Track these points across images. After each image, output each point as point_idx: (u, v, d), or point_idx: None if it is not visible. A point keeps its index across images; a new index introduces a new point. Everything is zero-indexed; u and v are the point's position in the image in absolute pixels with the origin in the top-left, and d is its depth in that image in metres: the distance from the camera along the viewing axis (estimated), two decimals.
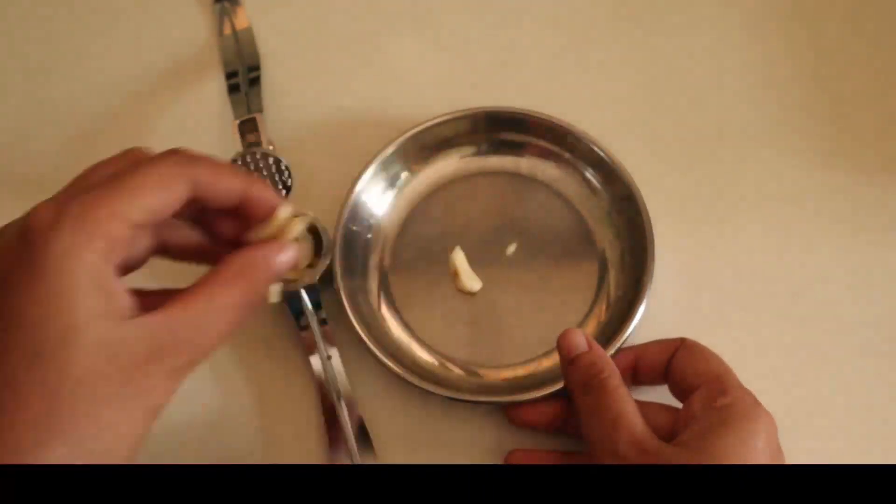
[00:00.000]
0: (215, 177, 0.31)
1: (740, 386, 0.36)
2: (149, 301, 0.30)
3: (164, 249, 0.33)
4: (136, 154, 0.32)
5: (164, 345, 0.29)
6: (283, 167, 0.43)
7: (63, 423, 0.27)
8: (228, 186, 0.32)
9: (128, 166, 0.30)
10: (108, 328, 0.28)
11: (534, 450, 0.41)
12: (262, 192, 0.33)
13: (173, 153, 0.31)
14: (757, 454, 0.33)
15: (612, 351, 0.40)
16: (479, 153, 0.48)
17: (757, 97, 0.50)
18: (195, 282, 0.31)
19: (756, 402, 0.35)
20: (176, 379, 0.30)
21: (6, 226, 0.30)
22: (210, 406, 0.42)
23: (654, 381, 0.40)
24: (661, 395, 0.40)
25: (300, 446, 0.41)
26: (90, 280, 0.27)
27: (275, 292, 0.35)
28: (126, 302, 0.29)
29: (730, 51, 0.52)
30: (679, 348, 0.39)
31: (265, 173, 0.43)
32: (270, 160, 0.43)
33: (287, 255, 0.33)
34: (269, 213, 0.33)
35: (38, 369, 0.27)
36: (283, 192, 0.43)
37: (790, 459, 0.35)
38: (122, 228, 0.28)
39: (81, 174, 0.31)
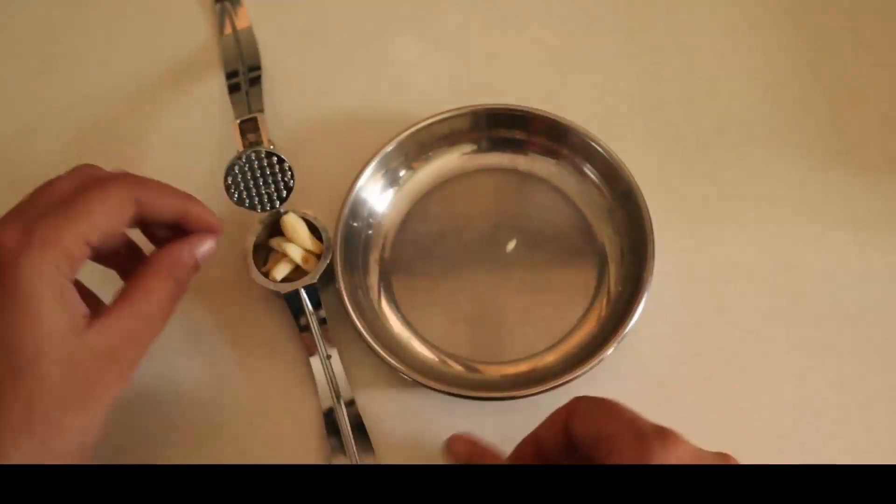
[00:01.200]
0: (158, 198, 0.35)
1: (629, 434, 0.31)
2: (89, 297, 0.35)
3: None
4: (86, 172, 0.35)
5: (118, 346, 0.32)
6: (287, 167, 0.43)
7: (35, 427, 0.30)
8: (169, 205, 0.35)
9: (80, 186, 0.33)
10: (72, 343, 0.31)
11: (472, 439, 0.39)
12: (198, 211, 0.37)
13: (122, 176, 0.35)
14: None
15: (612, 349, 0.40)
16: (479, 150, 0.48)
17: (757, 96, 0.50)
18: (130, 280, 0.34)
19: (648, 441, 0.30)
20: (128, 375, 0.33)
21: None
22: (210, 406, 0.42)
23: (563, 454, 0.34)
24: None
25: (300, 446, 0.41)
26: (55, 300, 0.31)
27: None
28: (83, 311, 0.32)
29: (730, 49, 0.51)
30: (571, 414, 0.33)
31: (267, 173, 0.43)
32: (274, 159, 0.43)
33: (207, 246, 0.37)
34: (204, 230, 0.37)
35: (20, 383, 0.30)
36: (285, 193, 0.43)
37: (791, 459, 0.35)
38: (82, 249, 0.32)
39: (36, 192, 0.34)
